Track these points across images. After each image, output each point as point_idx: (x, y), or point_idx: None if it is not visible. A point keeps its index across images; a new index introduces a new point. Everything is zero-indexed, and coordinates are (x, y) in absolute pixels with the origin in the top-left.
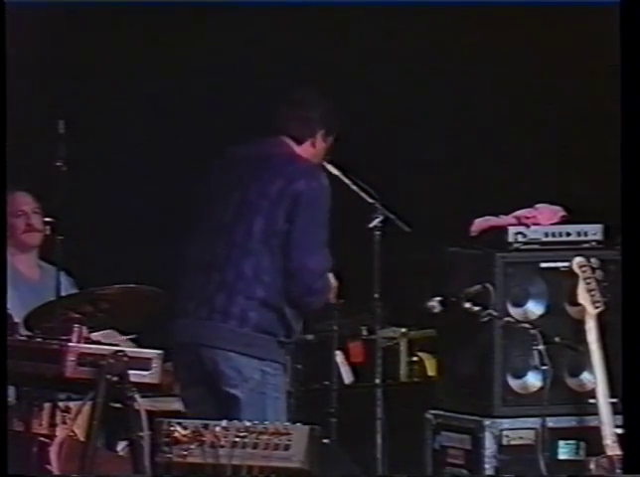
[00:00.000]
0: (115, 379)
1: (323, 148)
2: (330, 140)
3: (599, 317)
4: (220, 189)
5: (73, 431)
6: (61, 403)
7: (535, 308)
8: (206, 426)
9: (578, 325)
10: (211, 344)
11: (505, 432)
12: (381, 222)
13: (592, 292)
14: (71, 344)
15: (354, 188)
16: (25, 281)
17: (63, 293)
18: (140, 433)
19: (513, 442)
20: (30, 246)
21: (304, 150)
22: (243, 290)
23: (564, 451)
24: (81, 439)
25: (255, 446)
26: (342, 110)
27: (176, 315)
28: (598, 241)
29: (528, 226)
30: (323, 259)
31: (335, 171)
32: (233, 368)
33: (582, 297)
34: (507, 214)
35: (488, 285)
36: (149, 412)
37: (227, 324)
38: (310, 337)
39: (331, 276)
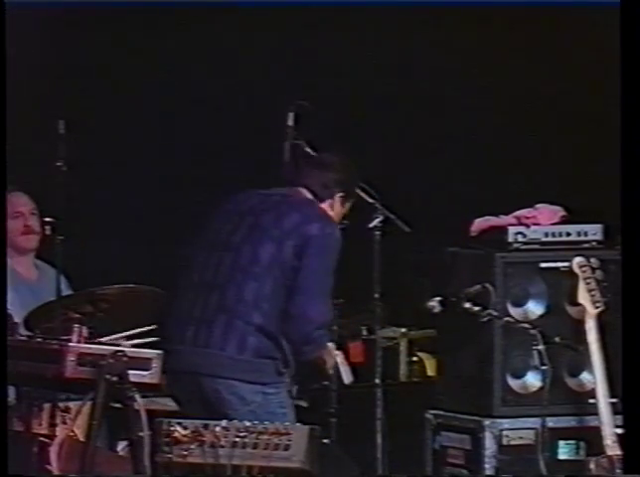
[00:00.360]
0: (115, 379)
1: (340, 213)
2: (347, 206)
3: (599, 317)
4: (231, 210)
5: (73, 431)
6: (61, 403)
7: (535, 308)
8: (206, 426)
9: (578, 325)
10: (210, 373)
11: (505, 432)
12: (381, 222)
13: (592, 292)
14: (71, 344)
15: None
16: (23, 282)
17: (51, 292)
18: (140, 433)
19: (513, 442)
20: (27, 249)
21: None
22: (242, 314)
23: (564, 451)
24: (81, 439)
25: (255, 446)
26: (361, 175)
27: (173, 341)
28: (598, 241)
29: (528, 226)
30: (324, 310)
31: None
32: (234, 394)
33: (582, 297)
34: (507, 214)
35: (488, 285)
36: (149, 412)
37: (225, 351)
38: (304, 404)
39: (332, 346)
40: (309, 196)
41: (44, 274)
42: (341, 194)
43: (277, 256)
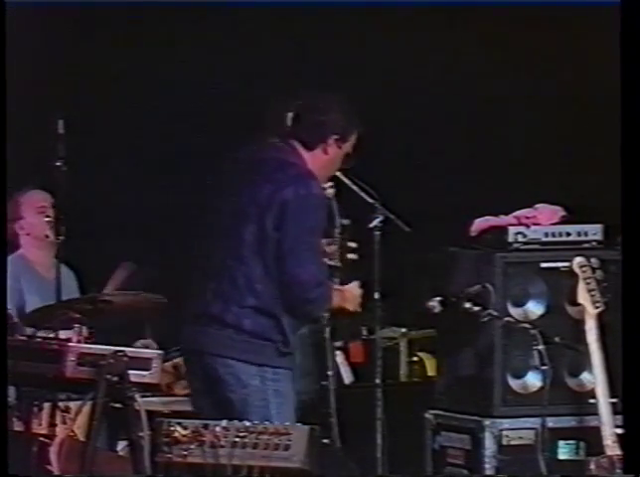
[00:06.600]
0: (115, 379)
1: (338, 155)
2: (347, 147)
3: (599, 317)
4: (216, 195)
5: (73, 431)
6: (61, 403)
7: (535, 308)
8: (206, 426)
9: (578, 325)
10: (209, 351)
11: (505, 432)
12: (381, 222)
13: (592, 292)
14: (71, 344)
15: (354, 188)
16: (42, 281)
17: (64, 290)
18: (140, 433)
19: (513, 442)
20: (50, 239)
21: (315, 156)
22: (237, 299)
23: (564, 451)
24: (81, 439)
25: (255, 446)
26: (358, 116)
27: (180, 322)
28: (598, 241)
29: (528, 226)
30: (316, 269)
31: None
32: (231, 374)
33: (582, 297)
34: (507, 214)
35: (488, 285)
36: (149, 412)
37: (224, 331)
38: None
39: (355, 285)
40: (299, 149)
41: (60, 275)
42: (335, 136)
43: (260, 234)
